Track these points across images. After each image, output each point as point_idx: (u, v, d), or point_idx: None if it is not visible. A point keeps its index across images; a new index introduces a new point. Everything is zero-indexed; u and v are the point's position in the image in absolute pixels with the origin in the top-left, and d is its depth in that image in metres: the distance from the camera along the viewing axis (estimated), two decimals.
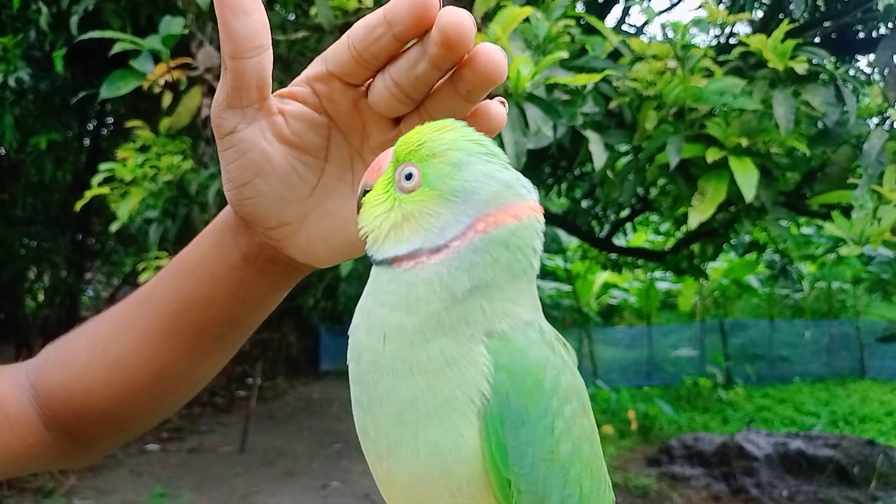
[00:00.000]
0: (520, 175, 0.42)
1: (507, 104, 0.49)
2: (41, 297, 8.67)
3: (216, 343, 0.61)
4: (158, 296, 0.59)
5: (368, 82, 0.50)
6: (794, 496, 5.92)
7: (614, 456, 7.18)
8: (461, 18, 0.43)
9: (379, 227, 0.41)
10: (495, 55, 0.45)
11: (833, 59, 2.58)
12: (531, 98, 1.87)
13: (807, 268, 10.74)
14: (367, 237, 0.42)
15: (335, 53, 0.48)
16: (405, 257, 0.40)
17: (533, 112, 1.84)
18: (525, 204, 0.40)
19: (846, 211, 2.51)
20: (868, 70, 3.58)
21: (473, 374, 0.38)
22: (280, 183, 0.52)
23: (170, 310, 0.58)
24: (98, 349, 0.60)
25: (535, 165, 4.39)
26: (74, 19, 3.25)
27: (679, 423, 8.17)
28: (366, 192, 0.44)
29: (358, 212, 0.45)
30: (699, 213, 2.20)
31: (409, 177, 0.41)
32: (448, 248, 0.39)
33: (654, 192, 4.88)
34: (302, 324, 10.54)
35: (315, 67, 0.50)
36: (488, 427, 0.37)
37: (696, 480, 6.38)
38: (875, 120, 2.50)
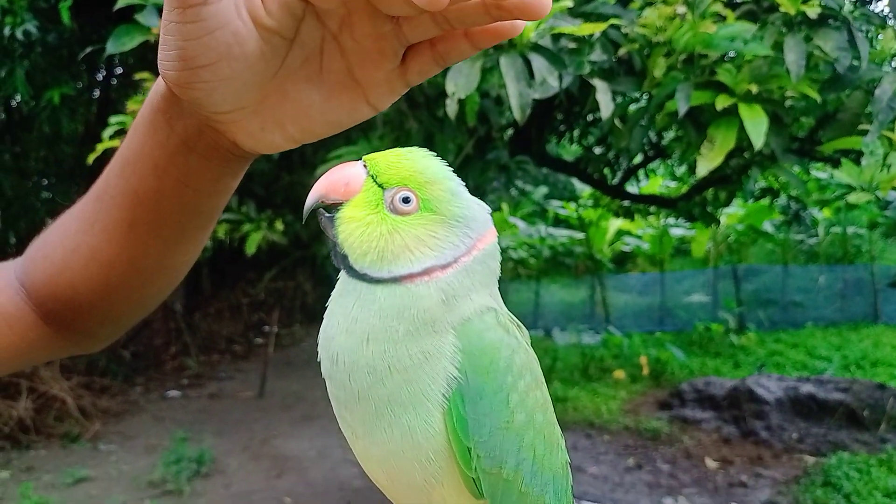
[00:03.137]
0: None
1: None
2: None
3: (180, 233, 0.59)
4: (112, 188, 0.57)
5: None
6: (803, 439, 6.00)
7: (626, 400, 7.28)
8: None
9: (385, 248, 0.44)
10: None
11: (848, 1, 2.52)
12: (536, 48, 1.85)
13: (822, 213, 10.65)
14: (366, 256, 0.45)
15: None
16: (419, 274, 0.44)
17: (538, 62, 1.82)
18: (492, 227, 0.49)
19: (859, 157, 2.49)
20: (883, 12, 3.48)
21: (445, 363, 0.43)
22: (246, 68, 0.45)
23: (125, 204, 0.56)
24: (70, 246, 0.60)
25: (547, 113, 4.35)
26: None
27: (690, 368, 8.24)
28: (327, 204, 0.47)
29: (319, 220, 0.47)
30: (708, 161, 2.19)
31: (406, 200, 0.45)
32: (457, 264, 0.45)
33: (667, 137, 4.83)
34: (317, 273, 10.63)
35: None
36: (450, 403, 0.42)
37: (706, 423, 6.46)
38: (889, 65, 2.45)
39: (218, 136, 0.51)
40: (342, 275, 0.47)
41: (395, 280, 0.44)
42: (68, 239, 0.60)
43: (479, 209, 0.47)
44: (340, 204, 0.46)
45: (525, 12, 0.41)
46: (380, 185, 0.45)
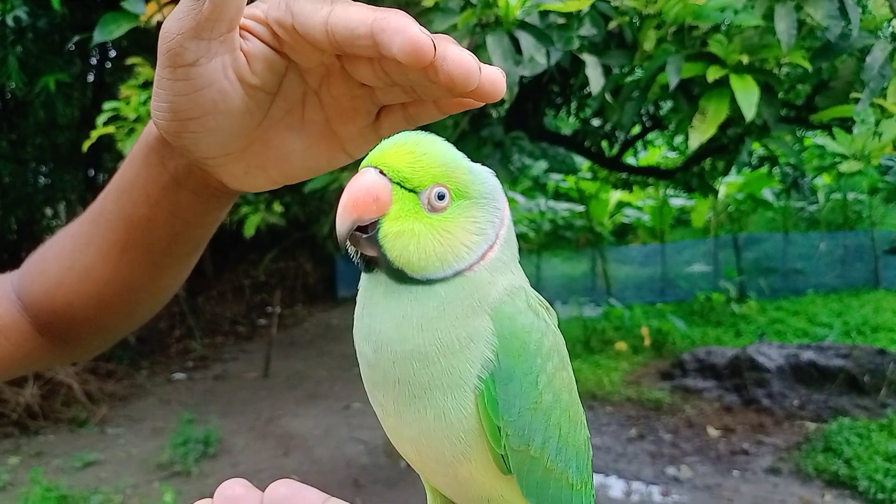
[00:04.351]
0: None
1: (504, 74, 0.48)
2: None
3: (170, 257, 0.62)
4: (107, 213, 0.60)
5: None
6: (804, 405, 6.04)
7: (628, 371, 7.33)
8: (469, 66, 0.43)
9: (443, 251, 0.44)
10: (498, 86, 0.45)
11: None
12: (523, 25, 1.84)
13: (822, 179, 10.62)
14: (428, 265, 0.44)
15: (307, 20, 0.45)
16: (476, 261, 0.45)
17: (525, 40, 1.81)
18: (501, 187, 0.49)
19: (852, 125, 2.48)
20: None
21: (483, 347, 0.44)
22: (231, 121, 0.49)
23: (119, 227, 0.59)
24: (66, 263, 0.63)
25: (542, 87, 4.32)
26: None
27: (692, 338, 8.27)
28: (359, 227, 0.44)
29: (353, 245, 0.45)
30: (700, 133, 2.19)
31: (441, 196, 0.45)
32: (498, 238, 0.46)
33: (664, 108, 4.81)
34: (317, 253, 10.65)
35: (279, 13, 0.47)
36: (483, 385, 0.43)
37: (708, 392, 6.51)
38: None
39: (206, 176, 0.55)
40: (382, 278, 0.45)
41: (457, 273, 0.44)
42: (64, 257, 0.64)
43: (489, 177, 0.47)
44: (374, 222, 0.44)
45: (481, 98, 0.46)
46: (411, 190, 0.44)
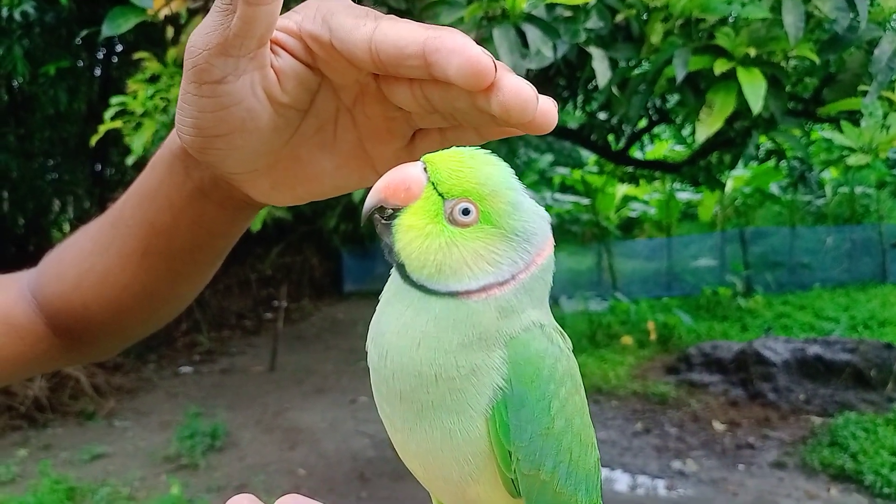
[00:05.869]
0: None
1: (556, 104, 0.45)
2: (67, 228, 8.84)
3: (190, 265, 0.61)
4: (128, 218, 0.59)
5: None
6: (810, 399, 6.04)
7: (633, 365, 7.33)
8: (527, 97, 0.41)
9: (442, 261, 0.43)
10: (551, 118, 0.43)
11: None
12: (530, 18, 1.83)
13: (829, 173, 10.57)
14: (423, 268, 0.43)
15: (348, 37, 0.43)
16: (476, 291, 0.43)
17: (532, 33, 1.81)
18: (551, 238, 0.47)
19: (859, 118, 2.47)
20: None
21: (493, 375, 0.43)
22: (259, 139, 0.48)
23: (140, 233, 0.58)
24: (85, 266, 0.62)
25: (549, 80, 4.31)
26: None
27: (698, 332, 8.26)
28: (384, 208, 0.45)
29: (375, 226, 0.45)
30: (707, 126, 2.18)
31: (466, 212, 0.44)
32: (514, 280, 0.44)
33: (671, 101, 4.79)
34: (324, 247, 10.66)
35: (315, 27, 0.45)
36: (494, 410, 0.43)
37: (714, 387, 6.51)
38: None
39: (231, 189, 0.54)
40: (396, 275, 0.46)
41: (452, 294, 0.43)
42: (82, 259, 0.62)
43: (539, 221, 0.46)
44: (398, 209, 0.44)
45: (532, 130, 0.44)
46: (440, 194, 0.44)
